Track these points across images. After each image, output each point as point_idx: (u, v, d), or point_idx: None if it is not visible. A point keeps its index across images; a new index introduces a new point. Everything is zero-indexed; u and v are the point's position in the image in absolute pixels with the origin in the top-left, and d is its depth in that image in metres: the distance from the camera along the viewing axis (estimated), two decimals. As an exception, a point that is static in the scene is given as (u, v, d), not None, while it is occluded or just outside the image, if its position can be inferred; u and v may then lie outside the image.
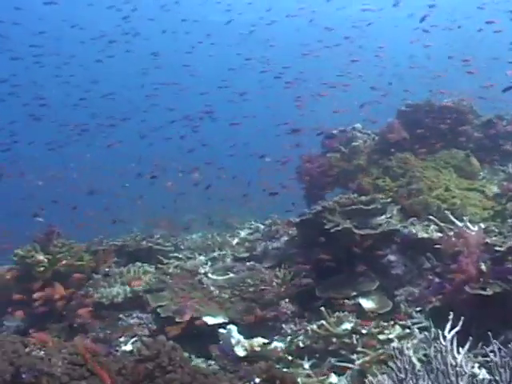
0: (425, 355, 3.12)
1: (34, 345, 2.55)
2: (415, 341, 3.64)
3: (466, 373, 2.06)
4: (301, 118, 9.67)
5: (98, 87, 16.63)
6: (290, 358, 3.88)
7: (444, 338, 2.27)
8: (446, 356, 2.11)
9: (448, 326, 2.40)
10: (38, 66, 15.45)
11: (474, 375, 2.25)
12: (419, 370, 2.13)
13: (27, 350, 2.50)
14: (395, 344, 3.21)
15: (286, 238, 5.59)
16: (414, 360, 2.37)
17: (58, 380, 2.28)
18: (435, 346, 2.22)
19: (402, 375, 2.11)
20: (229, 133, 13.58)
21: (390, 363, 2.33)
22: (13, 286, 5.20)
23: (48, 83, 18.37)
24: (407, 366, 2.11)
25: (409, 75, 13.70)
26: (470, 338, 2.36)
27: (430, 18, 10.12)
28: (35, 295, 4.86)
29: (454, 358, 2.12)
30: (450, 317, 2.48)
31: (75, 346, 2.59)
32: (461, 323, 2.47)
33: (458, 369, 2.05)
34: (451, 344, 2.23)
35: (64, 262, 5.22)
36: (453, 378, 2.02)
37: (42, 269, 5.23)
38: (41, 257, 5.25)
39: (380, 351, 3.56)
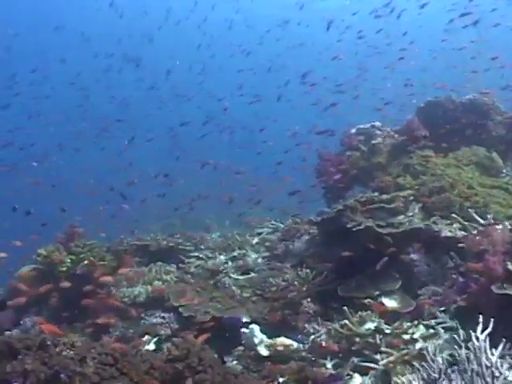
0: (450, 355, 3.07)
1: (63, 344, 2.57)
2: (440, 341, 3.59)
3: (501, 374, 2.02)
4: (324, 121, 9.64)
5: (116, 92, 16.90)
6: (313, 357, 3.86)
7: (477, 338, 2.23)
8: (480, 357, 2.07)
9: (479, 327, 2.35)
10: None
11: (504, 377, 2.21)
12: (453, 371, 2.10)
13: (57, 349, 2.53)
14: (427, 344, 3.16)
15: (306, 237, 5.57)
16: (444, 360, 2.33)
17: (89, 380, 2.30)
18: (468, 347, 2.18)
19: (436, 375, 2.08)
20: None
21: (422, 363, 2.30)
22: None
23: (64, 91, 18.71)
24: (441, 366, 2.09)
25: (434, 71, 13.54)
26: (504, 339, 2.31)
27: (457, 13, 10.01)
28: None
29: (488, 358, 2.09)
30: (480, 318, 2.43)
31: (104, 345, 2.61)
32: (491, 324, 2.43)
33: (493, 369, 2.02)
34: (485, 345, 2.19)
35: (86, 261, 5.27)
36: (488, 379, 1.99)
37: (64, 268, 5.30)
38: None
39: (404, 351, 3.52)
